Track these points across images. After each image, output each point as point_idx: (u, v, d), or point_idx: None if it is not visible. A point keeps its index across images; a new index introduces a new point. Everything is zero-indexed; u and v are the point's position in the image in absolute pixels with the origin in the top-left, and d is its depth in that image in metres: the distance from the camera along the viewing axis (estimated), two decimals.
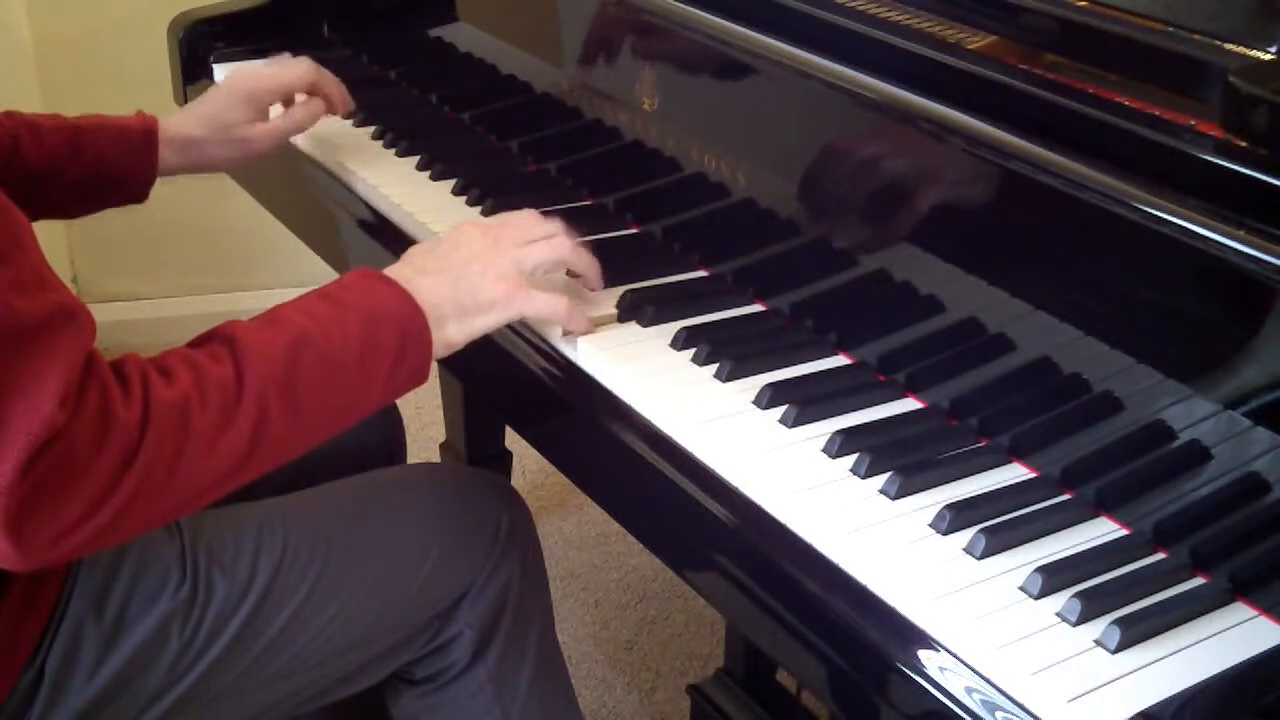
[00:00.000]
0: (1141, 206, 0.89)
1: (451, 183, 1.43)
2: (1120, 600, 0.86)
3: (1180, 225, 0.87)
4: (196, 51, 1.77)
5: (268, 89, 1.42)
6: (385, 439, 1.45)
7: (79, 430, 0.86)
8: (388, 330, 1.02)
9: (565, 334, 1.14)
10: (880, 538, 0.92)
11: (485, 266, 1.09)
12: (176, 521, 1.10)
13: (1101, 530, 0.94)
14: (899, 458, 0.99)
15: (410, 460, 1.53)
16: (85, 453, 0.86)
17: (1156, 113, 0.95)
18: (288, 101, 1.45)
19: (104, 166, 1.33)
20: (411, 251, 1.13)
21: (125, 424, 0.88)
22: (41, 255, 0.90)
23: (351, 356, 1.00)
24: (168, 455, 0.90)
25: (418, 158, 1.49)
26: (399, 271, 1.08)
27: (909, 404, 1.07)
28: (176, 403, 0.91)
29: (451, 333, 1.07)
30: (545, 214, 1.17)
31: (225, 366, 0.94)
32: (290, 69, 1.44)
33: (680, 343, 1.13)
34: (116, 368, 0.91)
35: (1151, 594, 0.87)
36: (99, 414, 0.87)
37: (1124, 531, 0.94)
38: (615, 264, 1.21)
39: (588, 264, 1.17)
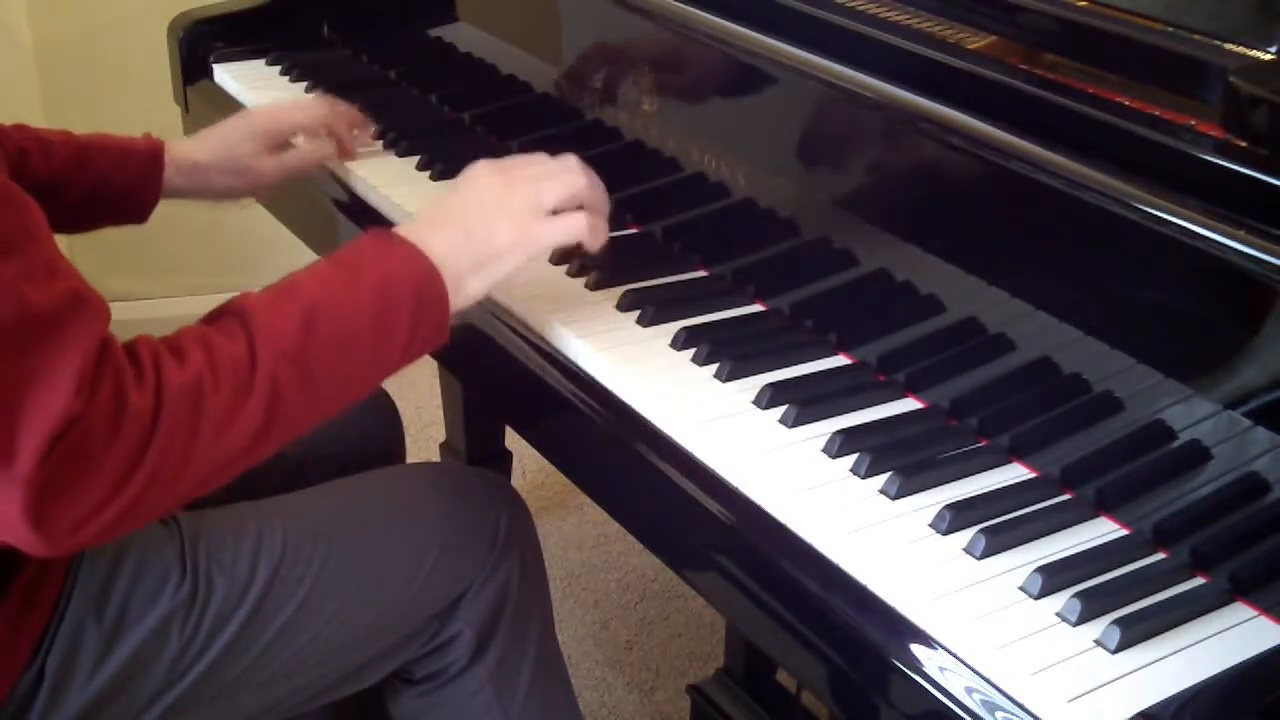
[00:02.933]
0: (1141, 206, 0.89)
1: (451, 183, 1.42)
2: (1120, 600, 0.86)
3: (1180, 225, 0.87)
4: (196, 51, 1.77)
5: (282, 127, 1.43)
6: (385, 439, 1.45)
7: (94, 417, 0.86)
8: (403, 293, 1.01)
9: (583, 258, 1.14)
10: (880, 538, 0.92)
11: (497, 210, 1.08)
12: (177, 521, 1.10)
13: (1101, 530, 0.94)
14: (899, 458, 0.99)
15: (410, 460, 1.53)
16: (101, 439, 0.86)
17: (1156, 113, 0.95)
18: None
19: (108, 185, 1.33)
20: (425, 208, 1.12)
21: (139, 409, 0.88)
22: (54, 244, 0.90)
23: (365, 324, 0.99)
24: (182, 438, 0.90)
25: (418, 158, 1.49)
26: (412, 229, 1.06)
27: (909, 404, 1.07)
28: (189, 385, 0.90)
29: (470, 286, 1.06)
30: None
31: (238, 343, 0.94)
32: (306, 110, 1.46)
33: (680, 343, 1.13)
34: (129, 350, 0.91)
35: (1151, 594, 0.87)
36: (113, 400, 0.87)
37: (1124, 531, 0.94)
38: (615, 264, 1.21)
39: (601, 199, 1.14)
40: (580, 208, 1.12)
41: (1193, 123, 0.94)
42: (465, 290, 1.06)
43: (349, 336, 0.98)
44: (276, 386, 0.94)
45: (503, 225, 1.07)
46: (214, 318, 0.98)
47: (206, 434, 0.91)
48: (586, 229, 1.10)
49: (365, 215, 1.44)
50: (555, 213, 1.10)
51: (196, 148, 1.40)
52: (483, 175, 1.11)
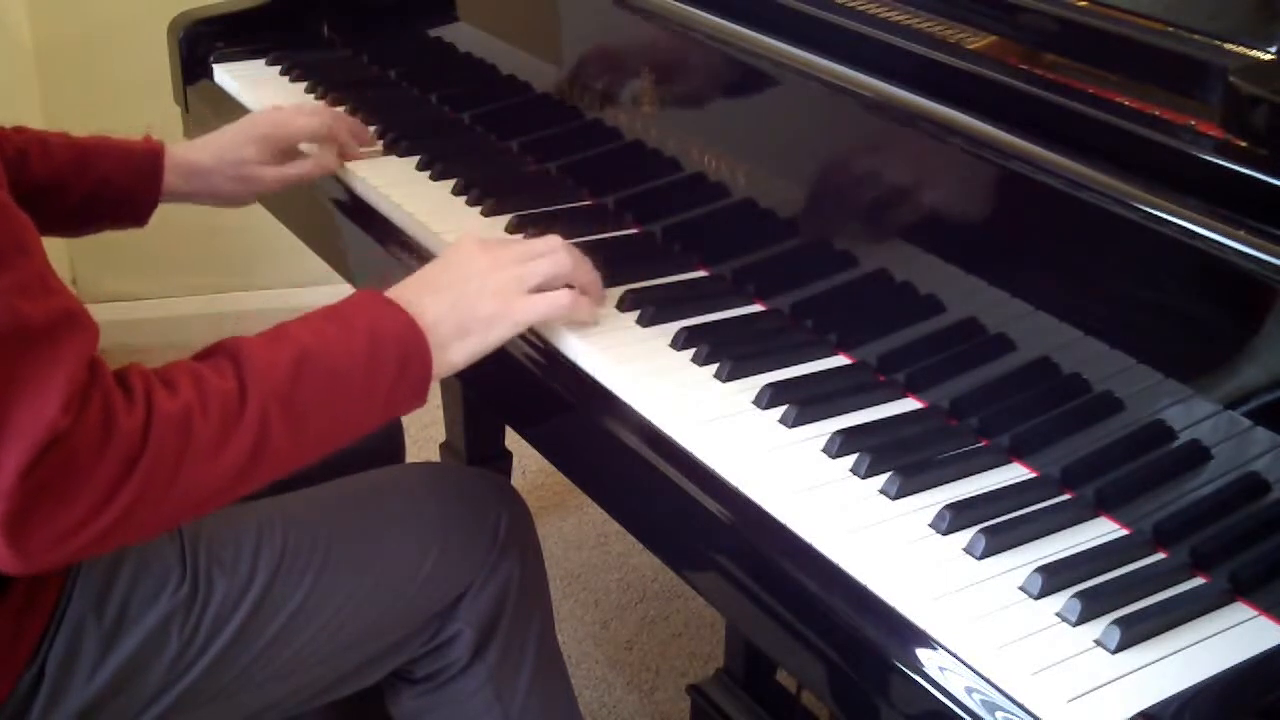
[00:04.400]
0: (1141, 206, 0.89)
1: (451, 183, 1.43)
2: (1120, 600, 0.86)
3: (1180, 225, 0.87)
4: (196, 51, 1.77)
5: (284, 134, 1.44)
6: (385, 439, 1.45)
7: (81, 435, 0.86)
8: (390, 349, 1.02)
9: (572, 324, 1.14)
10: (880, 537, 0.92)
11: (483, 284, 1.09)
12: None
13: (1101, 530, 0.94)
14: (899, 458, 0.99)
15: (410, 460, 1.53)
16: (87, 458, 0.87)
17: (1156, 113, 0.95)
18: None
19: (108, 186, 1.34)
20: (414, 274, 1.13)
21: (127, 431, 0.88)
22: (46, 260, 0.90)
23: (354, 374, 1.00)
24: (169, 464, 0.90)
25: (418, 158, 1.49)
26: (401, 293, 1.08)
27: (909, 404, 1.07)
28: (179, 413, 0.91)
29: (453, 353, 1.07)
30: (544, 218, 1.16)
31: (228, 380, 0.95)
32: (309, 118, 1.46)
33: (680, 343, 1.13)
34: (120, 376, 0.91)
35: (1151, 594, 0.87)
36: (102, 420, 0.87)
37: (1124, 531, 0.94)
38: (615, 264, 1.21)
39: (588, 278, 1.16)
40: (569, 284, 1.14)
41: (1193, 123, 0.94)
42: (448, 356, 1.07)
43: (337, 384, 1.00)
44: (265, 424, 0.95)
45: (488, 298, 1.08)
46: (205, 356, 0.99)
47: (192, 462, 0.91)
48: (569, 306, 1.12)
49: (365, 215, 1.44)
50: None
51: (199, 151, 1.40)
52: (470, 249, 1.12)
